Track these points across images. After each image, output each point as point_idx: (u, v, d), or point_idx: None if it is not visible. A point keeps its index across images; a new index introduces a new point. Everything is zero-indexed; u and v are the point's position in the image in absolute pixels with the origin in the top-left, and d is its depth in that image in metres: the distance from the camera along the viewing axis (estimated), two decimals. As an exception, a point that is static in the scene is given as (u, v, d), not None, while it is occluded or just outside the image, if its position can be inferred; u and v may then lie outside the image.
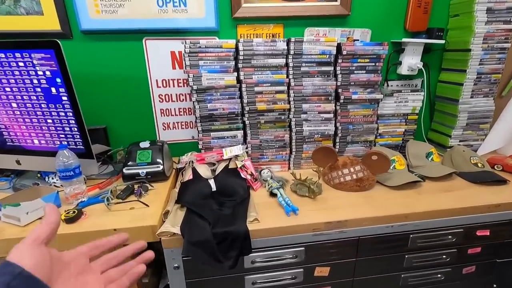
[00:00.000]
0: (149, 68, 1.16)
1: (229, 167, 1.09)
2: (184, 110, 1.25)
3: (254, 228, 0.84)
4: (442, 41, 1.21)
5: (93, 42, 1.11)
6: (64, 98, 0.87)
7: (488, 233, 0.99)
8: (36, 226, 0.36)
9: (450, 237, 0.97)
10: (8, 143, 0.98)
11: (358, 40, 1.23)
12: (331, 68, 1.10)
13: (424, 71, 1.23)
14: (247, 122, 1.13)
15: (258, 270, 0.91)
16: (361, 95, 1.15)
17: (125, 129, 1.25)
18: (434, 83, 1.36)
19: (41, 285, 0.30)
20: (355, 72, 1.12)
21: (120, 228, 0.80)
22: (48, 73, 0.84)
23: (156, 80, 1.18)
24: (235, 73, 1.07)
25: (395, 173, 1.08)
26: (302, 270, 0.93)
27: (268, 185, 1.04)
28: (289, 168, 1.22)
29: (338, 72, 1.11)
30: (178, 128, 1.27)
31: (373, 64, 1.11)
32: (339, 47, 1.09)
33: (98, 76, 1.15)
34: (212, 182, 1.02)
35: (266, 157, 1.20)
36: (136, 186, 0.99)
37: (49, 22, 1.04)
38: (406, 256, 0.98)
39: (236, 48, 1.05)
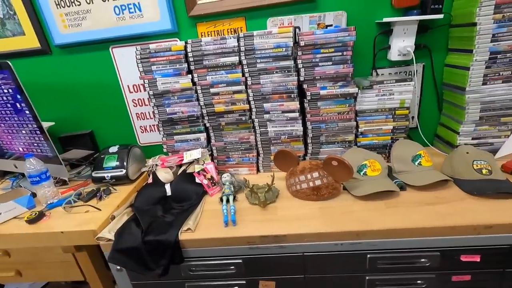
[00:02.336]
0: (119, 75, 1.21)
1: (188, 171, 1.09)
2: (158, 113, 1.27)
3: (186, 237, 0.83)
4: (440, 16, 0.96)
5: (69, 55, 1.20)
6: (27, 112, 0.97)
7: (478, 259, 0.79)
8: None
9: (423, 260, 0.81)
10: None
11: (331, 25, 1.06)
12: (290, 63, 0.99)
13: (413, 57, 1.01)
14: (208, 124, 1.10)
15: (200, 278, 0.90)
16: (331, 90, 1.01)
17: (110, 133, 1.34)
18: (441, 68, 1.11)
19: None
20: (320, 64, 0.98)
21: (66, 231, 0.88)
22: (10, 90, 0.94)
23: (128, 86, 1.23)
24: (189, 76, 1.04)
25: (366, 180, 0.93)
26: (244, 282, 0.89)
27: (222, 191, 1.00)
28: (258, 171, 1.16)
29: (300, 66, 0.99)
30: (155, 131, 1.31)
31: (340, 53, 0.96)
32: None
33: (78, 85, 1.25)
34: (168, 187, 1.03)
35: (233, 160, 1.15)
36: (101, 189, 1.07)
37: (30, 40, 1.16)
38: (367, 278, 0.85)
39: (186, 49, 1.01)
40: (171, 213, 0.94)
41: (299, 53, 0.97)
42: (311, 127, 1.07)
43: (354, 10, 1.04)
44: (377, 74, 1.13)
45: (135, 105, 1.26)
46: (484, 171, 0.89)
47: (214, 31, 1.12)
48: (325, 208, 0.89)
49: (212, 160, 1.15)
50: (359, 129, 1.07)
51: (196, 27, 1.12)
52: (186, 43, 1.01)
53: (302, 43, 0.95)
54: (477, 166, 0.90)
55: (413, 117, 1.17)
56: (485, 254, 0.78)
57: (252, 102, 1.05)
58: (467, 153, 0.94)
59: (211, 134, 1.13)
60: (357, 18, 1.05)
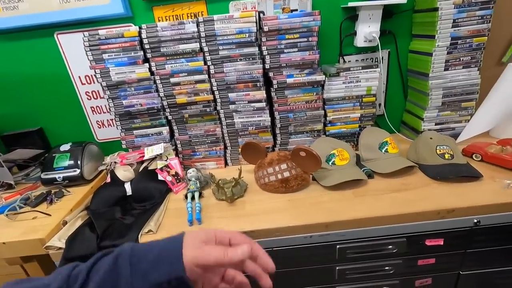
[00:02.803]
0: (68, 65, 1.09)
1: (150, 167, 1.02)
2: (115, 106, 1.17)
3: (147, 240, 0.76)
4: (404, 1, 0.95)
5: (7, 42, 1.05)
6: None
7: (442, 243, 0.81)
8: (217, 251, 0.36)
9: (390, 247, 0.81)
10: None
11: (296, 10, 1.02)
12: (255, 50, 0.93)
13: (379, 43, 1.00)
14: (170, 117, 1.03)
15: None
16: (298, 78, 0.97)
17: (63, 130, 1.22)
18: (406, 54, 1.11)
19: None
20: (285, 51, 0.94)
21: (9, 241, 0.78)
22: None
23: (79, 77, 1.11)
24: (146, 64, 0.96)
25: (334, 170, 0.92)
26: (213, 281, 0.85)
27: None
28: (226, 165, 1.11)
29: (265, 52, 0.94)
30: (113, 126, 1.21)
31: (305, 39, 0.92)
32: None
33: (22, 76, 1.11)
34: (128, 186, 0.95)
35: (199, 154, 1.09)
36: (53, 192, 0.97)
37: (-43, 26, 1.00)
38: (337, 268, 0.84)
39: (141, 35, 0.93)
40: (131, 214, 0.87)
41: (264, 39, 0.92)
42: (279, 117, 1.03)
43: (319, -6, 1.00)
44: (344, 61, 1.11)
45: (89, 98, 1.15)
46: (446, 155, 0.90)
47: (173, 15, 1.03)
48: (294, 200, 0.86)
49: (177, 155, 1.09)
50: (328, 118, 1.05)
51: (152, 11, 1.03)
52: (140, 28, 0.92)
53: (266, 28, 0.90)
54: (440, 151, 0.92)
55: (380, 104, 1.17)
56: (448, 237, 0.80)
57: (216, 92, 0.99)
58: (431, 138, 0.95)
59: (174, 127, 1.06)
60: (323, 3, 1.01)
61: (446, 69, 0.98)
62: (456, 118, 1.06)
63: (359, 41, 1.04)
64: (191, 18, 1.04)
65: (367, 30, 1.01)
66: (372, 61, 1.12)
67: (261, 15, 0.99)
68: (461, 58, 0.97)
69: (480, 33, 0.94)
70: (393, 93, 1.17)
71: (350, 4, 0.96)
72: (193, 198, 0.90)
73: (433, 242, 0.81)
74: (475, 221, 0.78)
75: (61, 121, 1.20)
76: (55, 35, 1.04)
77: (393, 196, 0.83)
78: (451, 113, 1.06)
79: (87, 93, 1.15)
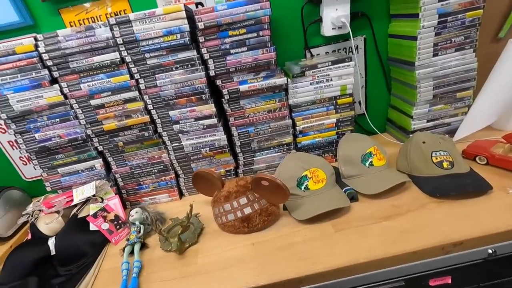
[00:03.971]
0: (-34, 93, 0.86)
1: (82, 214, 0.81)
2: (39, 137, 0.95)
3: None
4: (376, -27, 0.75)
5: None
6: None
7: (450, 281, 0.64)
8: None
9: (386, 293, 0.63)
10: None
11: (243, -3, 0.81)
12: (193, 53, 0.72)
13: (350, 30, 0.80)
14: (100, 147, 0.82)
15: None
16: (254, 83, 0.77)
17: (-19, 171, 1.00)
18: (385, 39, 0.91)
19: None
20: (232, 51, 0.73)
21: None
22: None
23: (-16, 107, 0.89)
24: (56, 86, 0.74)
25: (308, 196, 0.73)
26: None
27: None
28: (181, 195, 0.91)
29: (206, 56, 0.73)
30: (43, 160, 0.99)
31: (255, 34, 0.71)
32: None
33: None
34: (52, 243, 0.75)
35: (146, 187, 0.89)
36: (-43, 260, 0.76)
37: None
38: (322, 325, 0.66)
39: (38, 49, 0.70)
40: (52, 284, 0.67)
41: (201, 39, 0.71)
42: (237, 133, 0.83)
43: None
44: (312, 55, 0.91)
45: (2, 131, 0.93)
46: (445, 164, 0.72)
47: (88, 18, 0.81)
48: (259, 244, 0.67)
49: (119, 191, 0.88)
50: (297, 128, 0.85)
51: (60, 15, 0.80)
52: (36, 40, 0.70)
53: (201, 25, 0.69)
54: (436, 159, 0.73)
55: (360, 102, 0.98)
56: (457, 273, 0.63)
57: (153, 112, 0.79)
58: (424, 142, 0.76)
59: (110, 159, 0.85)
60: (275, -16, 0.80)
61: (435, 55, 0.79)
62: (451, 111, 0.88)
63: (327, 29, 0.84)
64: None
65: (335, 15, 0.81)
66: (346, 52, 0.92)
67: (199, 7, 0.78)
68: (453, 39, 0.78)
69: (474, 6, 0.75)
70: (374, 87, 0.98)
71: (309, -17, 0.76)
72: (133, 251, 0.71)
73: (438, 281, 0.63)
74: (490, 251, 0.60)
75: (-24, 161, 0.98)
76: None
77: (384, 226, 0.65)
78: (444, 107, 0.87)
79: (-1, 126, 0.92)
